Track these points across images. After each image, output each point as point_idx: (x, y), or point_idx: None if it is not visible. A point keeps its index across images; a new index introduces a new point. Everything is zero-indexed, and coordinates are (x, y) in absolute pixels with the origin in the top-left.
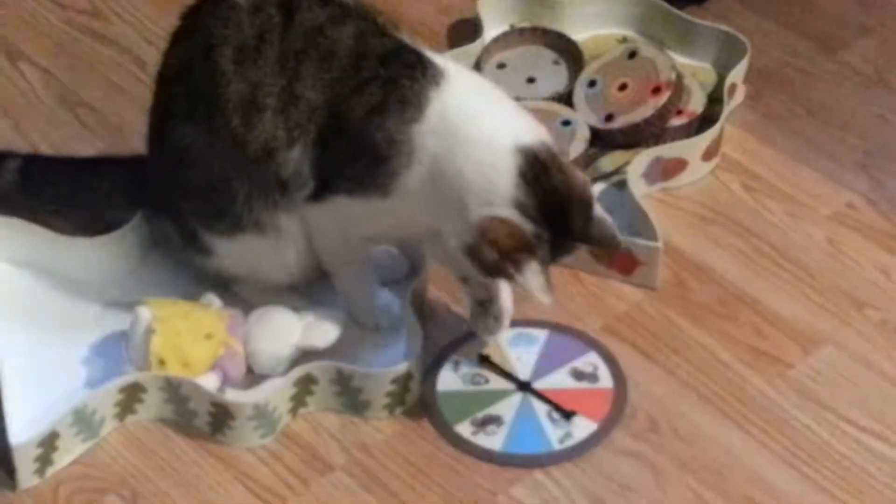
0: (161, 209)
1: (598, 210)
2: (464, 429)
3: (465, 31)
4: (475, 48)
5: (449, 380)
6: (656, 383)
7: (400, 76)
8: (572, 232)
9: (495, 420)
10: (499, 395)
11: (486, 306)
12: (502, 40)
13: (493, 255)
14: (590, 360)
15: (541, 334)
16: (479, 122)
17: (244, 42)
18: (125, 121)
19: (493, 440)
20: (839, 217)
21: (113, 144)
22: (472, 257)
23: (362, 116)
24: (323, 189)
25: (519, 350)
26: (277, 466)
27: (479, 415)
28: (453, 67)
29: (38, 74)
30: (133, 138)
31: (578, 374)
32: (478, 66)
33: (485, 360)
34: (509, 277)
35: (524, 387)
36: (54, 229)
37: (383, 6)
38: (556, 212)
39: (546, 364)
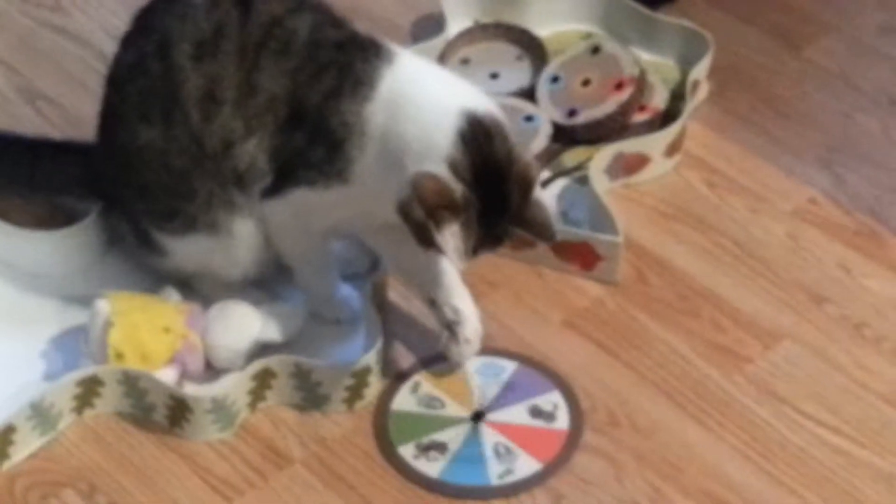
0: (115, 208)
1: (540, 195)
2: (406, 451)
3: (428, 26)
4: (438, 43)
5: (405, 400)
6: (616, 378)
7: (354, 59)
8: (505, 206)
9: (440, 447)
10: (450, 422)
11: (454, 330)
12: (466, 36)
13: (420, 212)
14: (551, 399)
15: (509, 366)
16: (427, 87)
17: (202, 37)
18: (85, 114)
19: (432, 467)
20: (801, 213)
21: (73, 138)
22: (404, 216)
23: (319, 102)
24: (282, 182)
25: (482, 379)
26: (235, 460)
27: (426, 439)
28: (407, 51)
29: None
30: (93, 132)
31: (536, 412)
32: (441, 62)
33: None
34: (432, 240)
35: (478, 417)
36: (13, 222)
37: (347, 0)
38: (492, 181)
39: (506, 397)
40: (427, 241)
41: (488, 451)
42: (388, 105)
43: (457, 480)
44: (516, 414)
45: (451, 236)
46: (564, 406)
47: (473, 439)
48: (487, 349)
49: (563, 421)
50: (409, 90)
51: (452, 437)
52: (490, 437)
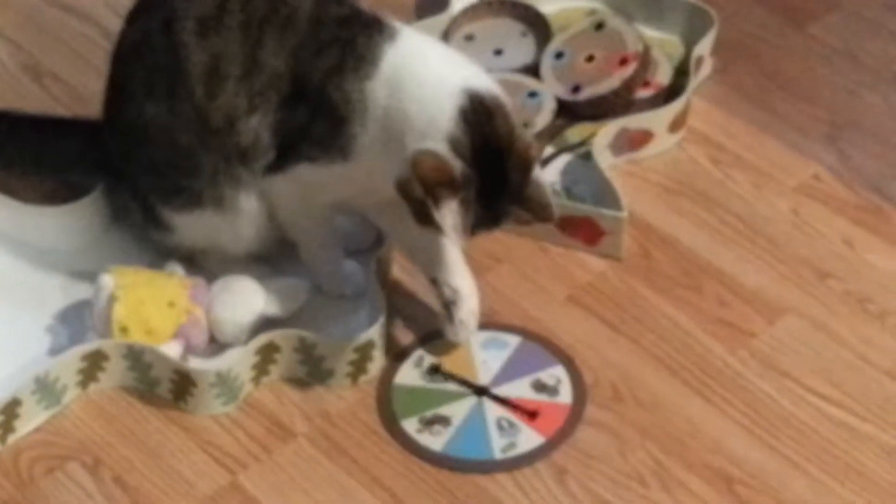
0: (120, 184)
1: (539, 175)
2: (410, 425)
3: (433, 3)
4: (443, 20)
5: (409, 374)
6: (620, 353)
7: (357, 36)
8: (505, 185)
9: (443, 420)
10: (453, 396)
11: (451, 309)
12: (470, 12)
13: (419, 189)
14: (554, 374)
15: (513, 340)
16: (429, 65)
17: (206, 13)
18: (91, 91)
19: (435, 440)
20: (805, 188)
21: (79, 115)
22: (402, 193)
23: (321, 78)
24: (284, 158)
25: (487, 354)
26: (240, 434)
27: (429, 413)
28: (410, 28)
29: (5, 45)
30: (99, 108)
31: (539, 386)
32: (445, 38)
33: (436, 371)
34: (430, 217)
35: (481, 392)
36: (19, 198)
37: None
38: (492, 159)
39: (510, 371)
40: (425, 218)
41: (491, 426)
42: (389, 82)
43: (460, 454)
44: (519, 388)
45: (448, 213)
46: (567, 380)
47: (478, 413)
48: (491, 324)
49: (566, 395)
50: (411, 67)
51: (456, 411)
52: (493, 411)
